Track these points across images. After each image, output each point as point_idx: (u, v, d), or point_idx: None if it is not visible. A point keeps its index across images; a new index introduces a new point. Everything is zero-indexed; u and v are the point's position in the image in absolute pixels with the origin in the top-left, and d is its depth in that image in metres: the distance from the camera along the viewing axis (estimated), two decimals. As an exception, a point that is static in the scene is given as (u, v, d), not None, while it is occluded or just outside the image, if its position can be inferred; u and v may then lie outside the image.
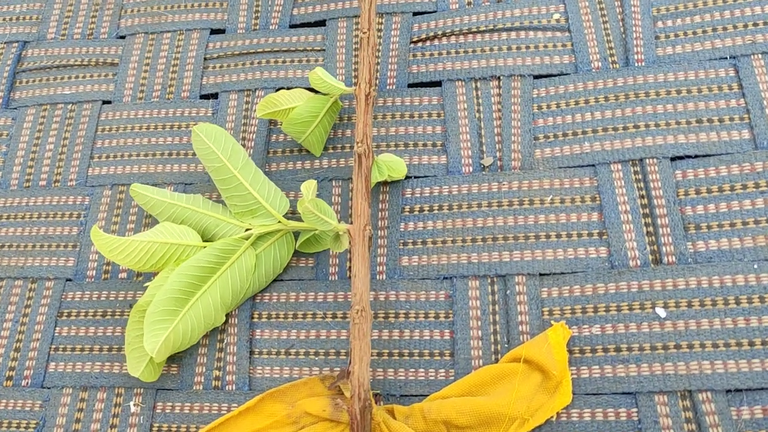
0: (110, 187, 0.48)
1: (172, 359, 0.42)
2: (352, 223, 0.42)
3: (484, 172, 0.44)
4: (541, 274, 0.41)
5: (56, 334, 0.44)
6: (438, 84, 0.48)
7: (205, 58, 0.52)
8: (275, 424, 0.39)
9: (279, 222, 0.42)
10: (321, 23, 0.52)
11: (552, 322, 0.39)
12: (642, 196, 0.41)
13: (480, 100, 0.46)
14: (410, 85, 0.48)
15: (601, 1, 0.47)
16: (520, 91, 0.46)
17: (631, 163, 0.42)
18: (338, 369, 0.41)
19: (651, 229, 0.41)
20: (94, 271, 0.46)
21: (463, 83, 0.47)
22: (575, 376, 0.38)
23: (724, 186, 0.41)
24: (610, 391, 0.37)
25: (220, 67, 0.52)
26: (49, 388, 0.43)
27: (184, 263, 0.40)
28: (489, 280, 0.41)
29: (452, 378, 0.39)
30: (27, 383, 0.43)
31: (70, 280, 0.46)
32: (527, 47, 0.47)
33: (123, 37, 0.54)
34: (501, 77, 0.47)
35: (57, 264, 0.46)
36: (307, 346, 0.42)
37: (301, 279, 0.44)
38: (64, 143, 0.51)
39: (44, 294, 0.46)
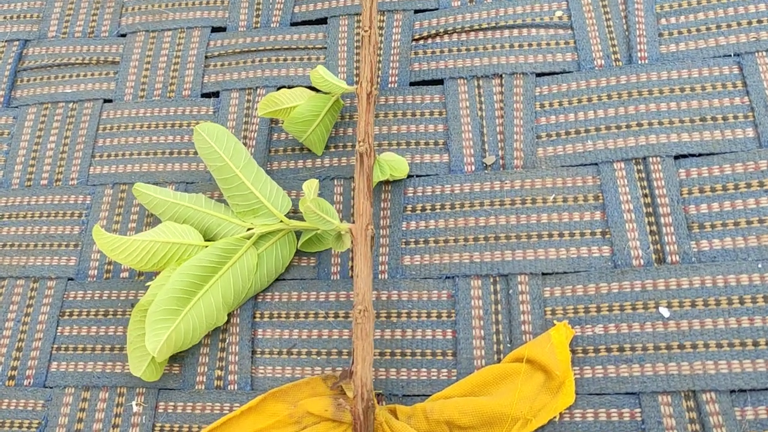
0: (111, 186, 0.48)
1: (174, 359, 0.42)
2: (354, 222, 0.42)
3: (486, 171, 0.44)
4: (543, 274, 0.41)
5: (58, 334, 0.44)
6: (440, 82, 0.48)
7: (206, 57, 0.52)
8: (277, 424, 0.39)
9: (281, 221, 0.42)
10: (322, 21, 0.52)
11: (555, 321, 0.39)
12: (645, 195, 0.41)
13: (482, 99, 0.46)
14: (412, 84, 0.48)
15: (604, -2, 0.47)
16: (522, 89, 0.46)
17: (634, 161, 0.42)
18: (340, 369, 0.41)
19: (654, 228, 0.40)
20: (96, 271, 0.46)
21: (465, 81, 0.47)
22: (578, 376, 0.38)
23: (728, 184, 0.40)
24: (613, 391, 0.37)
25: (221, 65, 0.51)
26: (51, 388, 0.43)
27: (186, 262, 0.40)
28: (491, 280, 0.41)
29: (454, 378, 0.39)
30: (29, 383, 0.43)
31: (71, 279, 0.46)
32: (529, 45, 0.47)
33: (124, 36, 0.54)
34: (503, 75, 0.46)
35: (59, 263, 0.46)
36: (309, 346, 0.42)
37: (302, 278, 0.43)
38: (65, 142, 0.51)
39: (46, 293, 0.46)
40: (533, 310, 0.40)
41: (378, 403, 0.39)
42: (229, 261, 0.41)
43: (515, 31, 0.48)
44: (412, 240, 0.43)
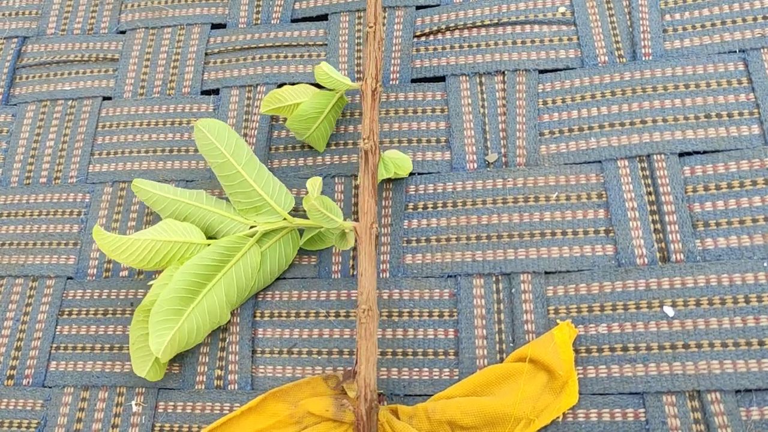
0: (111, 184, 0.48)
1: (174, 358, 0.42)
2: (357, 220, 0.42)
3: (488, 169, 0.44)
4: (546, 272, 0.40)
5: (57, 333, 0.44)
6: (442, 79, 0.47)
7: (206, 54, 0.52)
8: (278, 424, 0.38)
9: (284, 219, 0.42)
10: (323, 17, 0.51)
11: (558, 321, 0.39)
12: (649, 193, 0.41)
13: (484, 96, 0.46)
14: (413, 80, 0.48)
15: (608, -6, 0.47)
16: (525, 86, 0.45)
17: (638, 159, 0.42)
18: (341, 368, 0.40)
19: (659, 226, 0.40)
20: (95, 269, 0.46)
21: (468, 78, 0.46)
22: (581, 375, 0.37)
23: (733, 182, 0.40)
24: (617, 391, 0.37)
25: (221, 62, 0.51)
26: (50, 388, 0.43)
27: (189, 261, 0.40)
28: (494, 279, 0.41)
29: (457, 377, 0.39)
30: (28, 382, 0.43)
31: (71, 278, 0.46)
32: (532, 41, 0.47)
33: (123, 32, 0.54)
34: (506, 72, 0.46)
35: (58, 262, 0.46)
36: (310, 345, 0.41)
37: (303, 277, 0.43)
38: (64, 140, 0.50)
39: (45, 292, 0.45)
40: (536, 309, 0.39)
41: (379, 403, 0.39)
42: (232, 259, 0.41)
43: (518, 28, 0.47)
44: (414, 238, 0.43)
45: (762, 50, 0.43)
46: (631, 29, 0.46)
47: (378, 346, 0.40)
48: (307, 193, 0.45)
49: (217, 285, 0.40)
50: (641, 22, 0.45)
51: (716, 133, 0.41)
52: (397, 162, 0.43)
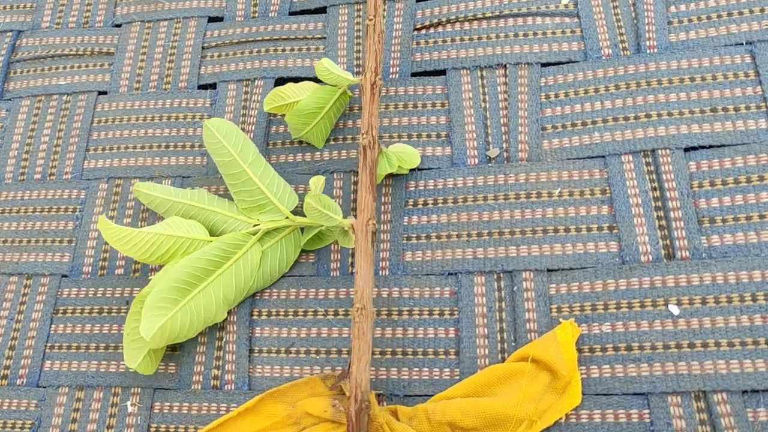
0: (106, 181, 0.47)
1: (170, 358, 0.41)
2: (356, 217, 0.41)
3: (490, 164, 0.43)
4: (549, 270, 0.40)
5: (52, 332, 0.43)
6: (442, 73, 0.46)
7: (203, 47, 0.51)
8: (275, 425, 0.38)
9: (287, 218, 0.41)
10: (321, 10, 0.51)
11: (560, 319, 0.38)
12: (654, 189, 0.40)
13: (486, 89, 0.45)
14: (414, 74, 0.47)
15: (612, -14, 0.46)
16: (527, 79, 0.44)
17: (642, 153, 0.41)
18: (340, 368, 0.40)
19: (663, 222, 0.39)
20: (90, 267, 0.45)
21: (469, 72, 0.46)
22: (585, 375, 0.37)
23: (739, 177, 0.39)
24: (621, 391, 0.36)
25: (219, 56, 0.50)
26: (44, 388, 0.42)
27: (191, 255, 0.39)
28: (495, 276, 0.40)
29: (457, 377, 0.38)
30: (22, 382, 0.42)
31: (65, 276, 0.45)
32: (534, 34, 0.46)
33: (119, 26, 0.53)
34: (507, 65, 0.45)
35: (52, 260, 0.45)
36: (308, 345, 0.40)
37: (302, 275, 0.42)
38: (59, 135, 0.49)
39: (39, 291, 0.45)
40: (538, 307, 0.39)
41: (379, 403, 0.38)
42: (234, 256, 0.40)
43: (520, 20, 0.46)
44: (414, 235, 0.42)
45: (770, 42, 0.42)
46: (635, 21, 0.45)
47: (377, 345, 0.40)
48: (306, 189, 0.44)
49: (216, 281, 0.40)
50: (646, 14, 0.44)
51: (722, 128, 0.40)
52: (403, 156, 0.42)
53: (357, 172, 0.44)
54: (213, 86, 0.50)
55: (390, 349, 0.39)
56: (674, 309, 0.37)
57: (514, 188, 0.42)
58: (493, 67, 0.45)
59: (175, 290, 0.38)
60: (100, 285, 0.44)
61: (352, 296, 0.41)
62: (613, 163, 0.41)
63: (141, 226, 0.44)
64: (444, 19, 0.47)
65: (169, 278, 0.38)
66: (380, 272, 0.41)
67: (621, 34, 0.44)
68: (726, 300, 0.37)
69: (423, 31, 0.48)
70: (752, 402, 0.35)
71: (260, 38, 0.50)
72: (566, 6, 0.46)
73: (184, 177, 0.46)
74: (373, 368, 0.39)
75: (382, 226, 0.42)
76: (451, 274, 0.41)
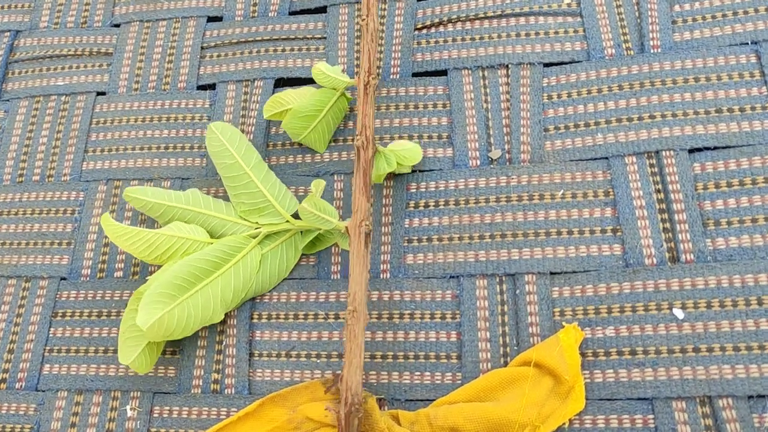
0: (105, 182, 0.47)
1: (170, 362, 0.41)
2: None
3: (492, 166, 0.42)
4: (551, 273, 0.39)
5: (51, 335, 0.43)
6: (444, 73, 0.46)
7: (202, 47, 0.50)
8: (276, 429, 0.37)
9: (287, 221, 0.41)
10: (322, 10, 0.50)
11: (563, 323, 0.38)
12: (658, 191, 0.39)
13: (487, 90, 0.44)
14: (415, 75, 0.46)
15: (615, -16, 0.45)
16: (529, 79, 0.44)
17: (646, 155, 0.40)
18: (341, 372, 0.39)
19: (668, 225, 0.39)
20: (89, 270, 0.44)
21: (470, 72, 0.45)
22: (588, 380, 0.36)
23: (745, 179, 0.39)
24: (625, 396, 0.36)
25: (218, 56, 0.50)
26: (43, 391, 0.42)
27: (191, 255, 0.39)
28: (497, 279, 0.40)
29: (459, 382, 0.38)
30: (21, 386, 0.42)
31: (64, 279, 0.45)
32: (537, 33, 0.45)
33: (117, 26, 0.53)
34: (509, 65, 0.45)
35: (51, 262, 0.45)
36: (309, 348, 0.40)
37: (302, 278, 0.42)
38: (57, 137, 0.49)
39: (38, 293, 0.44)
40: (541, 311, 0.38)
41: (380, 408, 0.38)
42: (233, 259, 0.40)
43: (522, 19, 0.46)
44: (415, 238, 0.41)
45: (775, 42, 0.41)
46: (639, 21, 0.44)
47: (378, 349, 0.39)
48: (306, 191, 0.44)
49: (214, 282, 0.39)
50: (649, 13, 0.44)
51: (727, 128, 0.40)
52: (403, 153, 0.41)
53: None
54: (212, 87, 0.49)
55: (391, 353, 0.39)
56: (679, 313, 0.37)
57: (517, 190, 0.41)
58: (495, 68, 0.45)
59: (174, 287, 0.38)
60: (99, 288, 0.44)
61: (352, 299, 0.41)
62: (617, 165, 0.41)
63: (140, 227, 0.43)
64: (445, 19, 0.47)
65: (168, 276, 0.38)
66: (381, 275, 0.41)
67: (624, 34, 0.44)
68: (731, 304, 0.36)
69: (424, 31, 0.47)
70: (758, 407, 0.34)
71: (260, 38, 0.49)
72: (569, 5, 0.45)
73: (183, 179, 0.46)
74: (373, 372, 0.39)
75: (383, 228, 0.42)
76: (453, 277, 0.40)
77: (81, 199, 0.47)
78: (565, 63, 0.44)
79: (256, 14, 0.51)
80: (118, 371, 0.41)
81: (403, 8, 0.48)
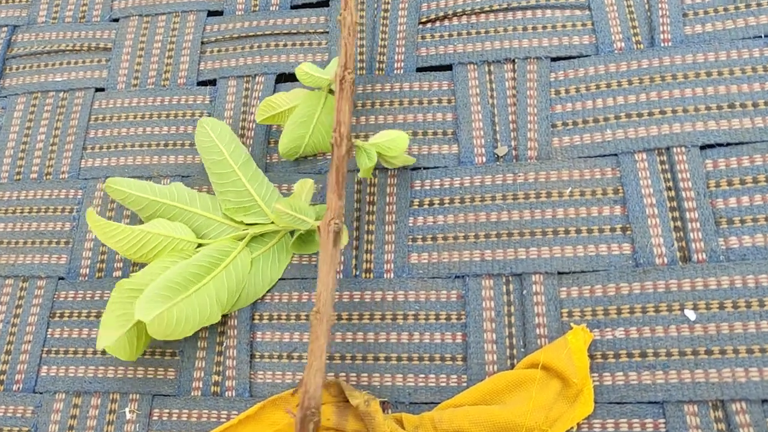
0: (104, 180, 0.46)
1: (170, 363, 0.40)
2: (359, 218, 0.40)
3: (498, 163, 0.41)
4: (559, 273, 0.38)
5: (48, 336, 0.42)
6: (448, 68, 0.45)
7: (202, 42, 0.49)
8: (277, 433, 0.37)
9: (272, 223, 0.40)
10: (324, 3, 0.49)
11: (572, 324, 0.37)
12: (669, 188, 0.38)
13: (493, 85, 0.43)
14: (419, 69, 0.45)
15: (624, -24, 0.44)
16: (536, 74, 0.43)
17: (656, 152, 0.39)
18: (343, 375, 0.38)
19: (679, 223, 0.38)
20: (88, 269, 0.44)
21: (476, 66, 0.44)
22: (597, 383, 0.35)
23: (759, 176, 0.38)
24: (635, 399, 0.35)
25: (218, 51, 0.49)
26: (41, 393, 0.41)
27: (182, 262, 0.38)
28: (504, 279, 0.39)
29: (465, 384, 0.37)
30: (18, 388, 0.41)
31: (62, 278, 0.44)
32: (544, 27, 0.44)
33: (116, 20, 0.52)
34: (516, 60, 0.44)
35: (49, 262, 0.44)
36: (311, 350, 0.39)
37: (304, 278, 0.41)
38: (55, 134, 0.48)
39: (36, 293, 0.44)
40: (548, 311, 0.37)
41: (384, 411, 0.37)
42: (222, 263, 0.39)
43: (528, 13, 0.45)
44: (419, 237, 0.41)
45: (790, 35, 0.40)
46: (649, 13, 0.43)
47: (382, 351, 0.38)
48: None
49: (207, 285, 0.39)
50: (660, 6, 0.43)
51: (740, 124, 0.39)
52: (386, 144, 0.39)
53: (360, 171, 0.43)
54: (213, 82, 0.48)
55: (395, 355, 0.38)
56: (690, 314, 0.36)
57: (523, 188, 0.40)
58: (501, 62, 0.44)
59: (169, 289, 0.37)
60: (98, 288, 0.43)
61: (355, 300, 0.40)
62: (626, 162, 0.40)
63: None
64: (450, 12, 0.46)
65: (161, 280, 0.37)
66: (385, 275, 0.40)
67: (634, 27, 0.43)
68: (745, 305, 0.35)
69: (428, 25, 0.46)
70: (772, 411, 0.33)
71: (261, 33, 0.49)
72: (577, -2, 0.44)
73: (183, 176, 0.45)
74: (377, 375, 0.38)
75: (386, 227, 0.41)
76: (458, 276, 0.39)
77: (79, 197, 0.46)
78: (573, 57, 0.43)
79: (257, 8, 0.50)
80: (116, 373, 0.41)
81: (407, 1, 0.47)
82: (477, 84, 0.44)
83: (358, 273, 0.40)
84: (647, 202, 0.38)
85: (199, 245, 0.41)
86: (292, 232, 0.41)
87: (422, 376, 0.38)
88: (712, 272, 0.36)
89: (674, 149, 0.39)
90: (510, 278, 0.39)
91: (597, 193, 0.39)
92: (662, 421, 0.34)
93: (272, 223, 0.40)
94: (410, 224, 0.41)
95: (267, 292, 0.41)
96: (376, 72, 0.45)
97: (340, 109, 0.38)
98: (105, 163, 0.47)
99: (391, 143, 0.39)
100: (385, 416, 0.35)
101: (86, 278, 0.43)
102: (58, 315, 0.43)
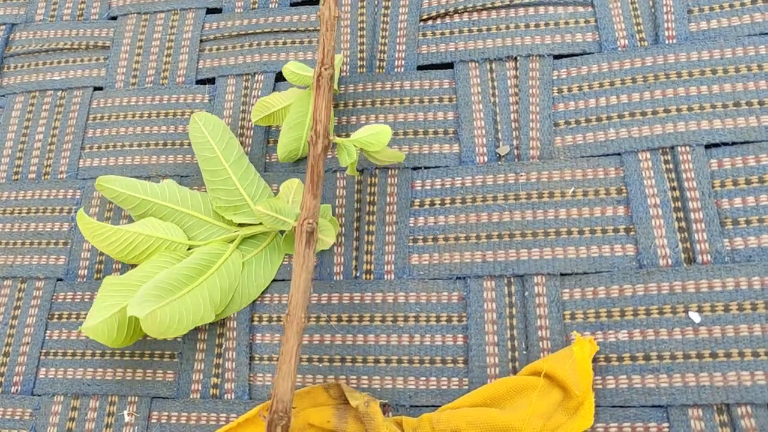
0: (102, 180, 0.46)
1: (168, 365, 0.40)
2: (359, 218, 0.40)
3: (499, 162, 0.41)
4: (562, 274, 0.38)
5: (47, 338, 0.42)
6: (450, 66, 0.44)
7: (201, 40, 0.49)
8: (276, 436, 0.36)
9: (261, 223, 0.40)
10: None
11: (574, 332, 0.36)
12: (673, 188, 0.38)
13: (495, 83, 0.43)
14: (419, 67, 0.45)
15: (628, -28, 0.43)
16: (538, 72, 0.42)
17: (661, 151, 0.39)
18: (343, 377, 0.38)
19: (683, 224, 0.37)
20: (86, 270, 0.43)
21: (477, 64, 0.43)
22: (600, 386, 0.35)
23: (765, 176, 0.37)
24: (638, 403, 0.34)
25: (217, 49, 0.48)
26: (39, 396, 0.41)
27: (173, 266, 0.38)
28: (505, 281, 0.38)
29: (466, 387, 0.37)
30: (17, 390, 0.41)
31: (60, 279, 0.43)
32: (546, 24, 0.44)
33: (114, 18, 0.51)
34: (518, 57, 0.43)
35: (47, 263, 0.44)
36: (311, 352, 0.39)
37: (303, 279, 0.41)
38: (53, 133, 0.48)
39: (34, 295, 0.43)
40: (551, 313, 0.37)
41: (384, 414, 0.37)
42: (214, 266, 0.39)
43: (531, 10, 0.44)
44: (420, 237, 0.40)
45: (797, 32, 0.40)
46: (653, 10, 0.42)
47: (382, 353, 0.38)
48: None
49: (200, 286, 0.38)
50: (664, 3, 0.42)
51: (746, 123, 0.38)
52: (367, 140, 0.38)
53: (360, 171, 0.42)
54: (212, 81, 0.48)
55: (395, 357, 0.38)
56: (695, 316, 0.35)
57: (525, 188, 0.40)
58: (502, 60, 0.43)
59: (162, 290, 0.37)
60: (96, 289, 0.43)
61: (355, 301, 0.39)
62: (630, 161, 0.39)
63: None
64: (451, 9, 0.45)
65: (153, 282, 0.37)
66: (385, 276, 0.40)
67: (638, 24, 0.42)
68: (750, 307, 0.35)
69: (429, 22, 0.46)
70: (778, 416, 0.33)
71: (260, 31, 0.48)
72: (580, -6, 0.44)
73: (182, 176, 0.45)
74: (377, 377, 0.38)
75: (386, 227, 0.41)
76: (459, 278, 0.39)
77: (78, 197, 0.46)
78: (576, 55, 0.43)
79: (256, 6, 0.49)
80: (115, 375, 0.40)
81: (407, -1, 0.46)
82: (478, 82, 0.43)
83: (358, 274, 0.40)
84: (651, 203, 0.38)
85: (190, 247, 0.40)
86: (283, 232, 0.41)
87: (423, 378, 0.37)
88: (717, 274, 0.36)
89: (679, 148, 0.38)
90: (512, 280, 0.38)
91: (600, 193, 0.39)
92: (666, 425, 0.34)
93: (261, 223, 0.40)
94: (411, 225, 0.41)
95: (265, 293, 0.41)
96: (377, 70, 0.45)
97: (317, 107, 0.37)
98: (103, 162, 0.46)
99: (373, 138, 0.38)
100: (384, 418, 0.35)
101: (85, 279, 0.43)
102: (56, 316, 0.42)
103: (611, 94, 0.41)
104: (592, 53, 0.42)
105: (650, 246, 0.37)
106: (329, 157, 0.43)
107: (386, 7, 0.47)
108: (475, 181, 0.41)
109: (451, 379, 0.37)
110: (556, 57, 0.43)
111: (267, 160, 0.44)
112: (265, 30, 0.48)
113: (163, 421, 0.39)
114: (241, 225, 0.41)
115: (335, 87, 0.43)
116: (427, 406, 0.37)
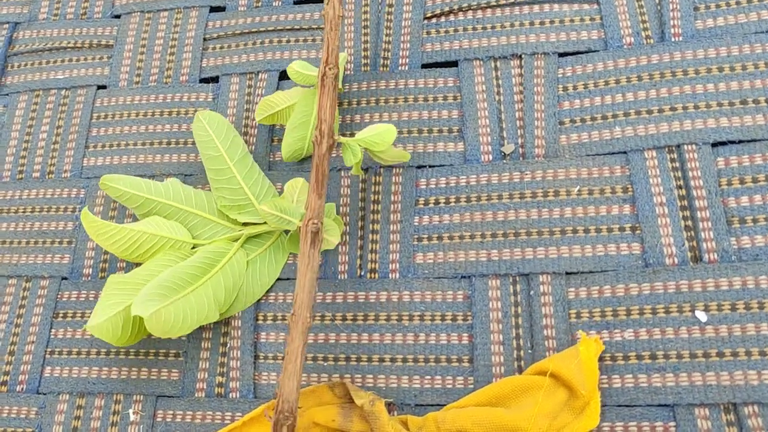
0: (106, 179, 0.46)
1: (173, 364, 0.40)
2: (363, 218, 0.40)
3: (504, 161, 0.41)
4: (567, 273, 0.38)
5: (52, 337, 0.42)
6: (454, 64, 0.44)
7: (204, 39, 0.49)
8: (281, 435, 0.36)
9: (265, 223, 0.40)
10: (328, -2, 0.48)
11: (580, 331, 0.36)
12: (679, 187, 0.38)
13: (500, 81, 0.43)
14: (424, 66, 0.45)
15: (634, -30, 0.43)
16: (543, 70, 0.42)
17: (667, 149, 0.39)
18: (348, 376, 0.38)
19: (689, 223, 0.37)
20: (91, 269, 0.43)
21: (482, 63, 0.43)
22: (606, 385, 0.35)
23: (771, 175, 0.37)
24: (644, 402, 0.34)
25: (221, 48, 0.48)
26: (45, 394, 0.41)
27: (178, 265, 0.38)
28: (511, 280, 0.38)
29: (471, 386, 0.36)
30: (22, 389, 0.41)
31: (65, 278, 0.43)
32: (551, 22, 0.43)
33: (118, 17, 0.51)
34: (523, 55, 0.43)
35: (52, 261, 0.44)
36: (315, 351, 0.39)
37: (308, 278, 0.41)
38: (57, 132, 0.48)
39: (39, 294, 0.43)
40: (556, 312, 0.37)
41: (389, 413, 0.37)
42: (218, 264, 0.39)
43: (536, 7, 0.44)
44: (425, 236, 0.40)
45: (803, 29, 0.39)
46: (659, 7, 0.42)
47: (387, 352, 0.38)
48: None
49: (204, 285, 0.38)
50: (670, 0, 0.42)
51: (753, 121, 0.38)
52: (372, 139, 0.38)
53: (365, 170, 0.42)
54: (215, 79, 0.48)
55: (401, 356, 0.38)
56: (701, 315, 0.35)
57: (531, 186, 0.40)
58: (507, 58, 0.43)
59: (166, 289, 0.37)
60: (101, 288, 0.43)
61: (360, 300, 0.39)
62: (636, 160, 0.39)
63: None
64: (456, 7, 0.45)
65: (157, 281, 0.37)
66: (390, 275, 0.40)
67: (644, 22, 0.42)
68: (757, 306, 0.35)
69: (434, 20, 0.46)
70: (785, 415, 0.33)
71: (264, 29, 0.48)
72: (585, -8, 0.43)
73: (186, 175, 0.45)
74: (382, 376, 0.38)
75: (391, 226, 0.41)
76: (465, 277, 0.39)
77: (82, 196, 0.45)
78: (581, 52, 0.42)
79: (260, 4, 0.49)
80: (120, 374, 0.40)
81: (411, -4, 0.46)
82: (483, 80, 0.43)
83: (363, 273, 0.40)
84: (657, 201, 0.38)
85: (194, 246, 0.40)
86: (287, 232, 0.41)
87: (428, 377, 0.37)
88: (724, 273, 0.35)
89: (685, 147, 0.38)
90: (517, 278, 0.38)
91: (606, 192, 0.39)
92: (672, 424, 0.34)
93: (265, 223, 0.40)
94: (416, 223, 0.40)
95: (270, 292, 0.41)
96: (381, 68, 0.45)
97: (322, 106, 0.37)
98: (107, 161, 0.46)
99: (377, 137, 0.38)
100: (390, 417, 0.35)
101: (89, 278, 0.43)
102: (61, 315, 0.42)
103: (617, 92, 0.41)
104: (598, 51, 0.42)
105: (656, 245, 0.37)
106: (334, 156, 0.43)
107: (390, 5, 0.46)
108: (480, 180, 0.40)
109: (456, 378, 0.37)
110: (561, 55, 0.43)
111: (271, 159, 0.44)
112: (269, 28, 0.48)
113: (168, 419, 0.39)
114: (245, 224, 0.41)
115: (339, 86, 0.43)
116: (432, 405, 0.37)
